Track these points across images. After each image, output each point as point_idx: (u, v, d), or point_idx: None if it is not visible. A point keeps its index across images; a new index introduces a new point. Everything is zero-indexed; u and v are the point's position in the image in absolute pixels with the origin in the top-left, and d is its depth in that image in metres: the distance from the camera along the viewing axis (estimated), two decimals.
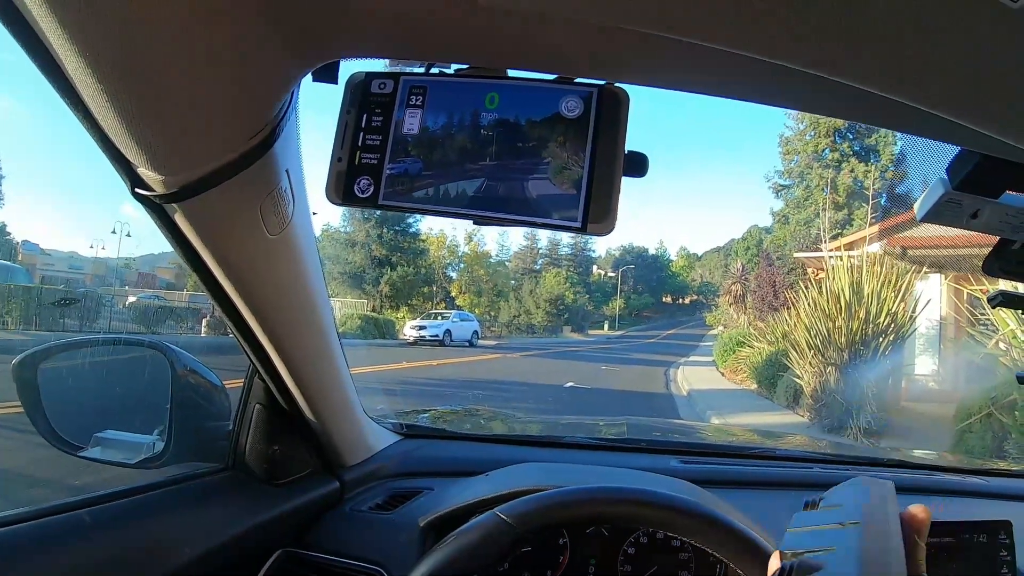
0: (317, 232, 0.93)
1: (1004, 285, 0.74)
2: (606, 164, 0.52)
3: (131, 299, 19.68)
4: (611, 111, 0.52)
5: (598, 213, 0.51)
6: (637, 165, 0.53)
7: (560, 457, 1.42)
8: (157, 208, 0.63)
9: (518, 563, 1.10)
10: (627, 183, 0.52)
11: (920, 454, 1.86)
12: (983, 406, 5.62)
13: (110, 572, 0.78)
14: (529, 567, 1.09)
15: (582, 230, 0.51)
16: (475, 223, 0.55)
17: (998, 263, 0.60)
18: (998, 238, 0.59)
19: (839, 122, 27.19)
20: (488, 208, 0.53)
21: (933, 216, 0.56)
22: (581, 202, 0.52)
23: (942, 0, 0.32)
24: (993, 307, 0.73)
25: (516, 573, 1.09)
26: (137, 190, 0.60)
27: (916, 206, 0.58)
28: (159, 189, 0.59)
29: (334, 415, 1.09)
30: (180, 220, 0.65)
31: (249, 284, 0.78)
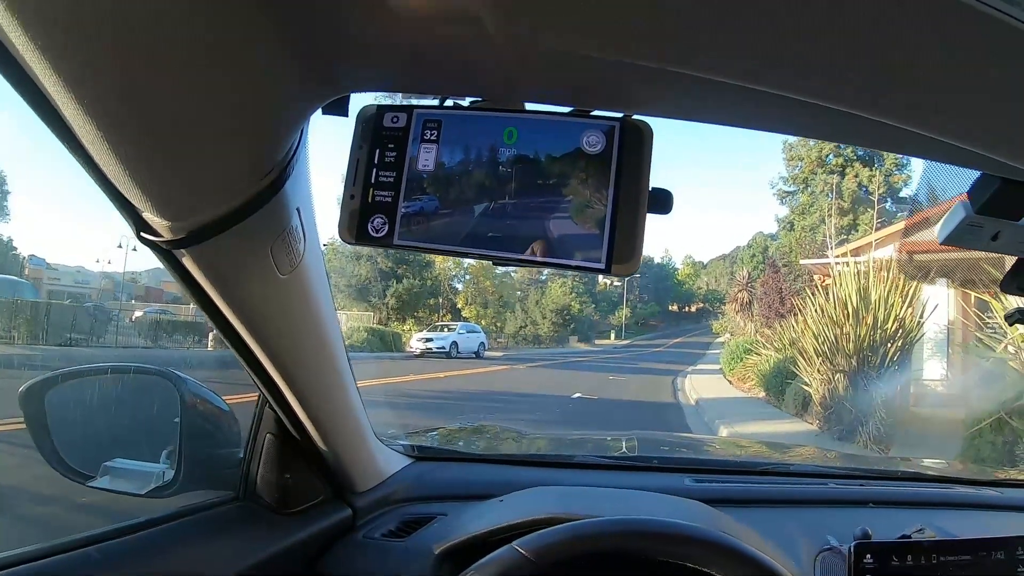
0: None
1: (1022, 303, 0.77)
2: (630, 202, 0.49)
3: (138, 313, 19.74)
4: (634, 146, 0.50)
5: (622, 254, 0.49)
6: (662, 203, 0.51)
7: (573, 478, 1.41)
8: (164, 252, 0.61)
9: None
10: None
11: (931, 463, 1.87)
12: (993, 411, 5.59)
13: None
14: None
15: (606, 271, 0.49)
16: (494, 264, 0.53)
17: (1016, 282, 0.64)
18: (1016, 258, 0.62)
19: None
20: (507, 248, 0.51)
21: (954, 239, 0.58)
22: (605, 242, 0.49)
23: (960, 33, 0.32)
24: (1011, 324, 0.79)
25: None
26: (143, 234, 0.57)
27: (937, 229, 0.60)
28: (165, 235, 0.57)
29: (345, 442, 1.08)
30: (188, 264, 0.62)
31: (260, 323, 0.76)
